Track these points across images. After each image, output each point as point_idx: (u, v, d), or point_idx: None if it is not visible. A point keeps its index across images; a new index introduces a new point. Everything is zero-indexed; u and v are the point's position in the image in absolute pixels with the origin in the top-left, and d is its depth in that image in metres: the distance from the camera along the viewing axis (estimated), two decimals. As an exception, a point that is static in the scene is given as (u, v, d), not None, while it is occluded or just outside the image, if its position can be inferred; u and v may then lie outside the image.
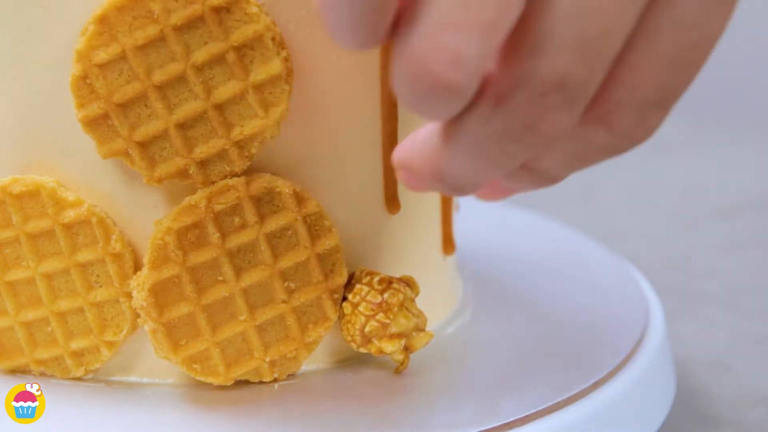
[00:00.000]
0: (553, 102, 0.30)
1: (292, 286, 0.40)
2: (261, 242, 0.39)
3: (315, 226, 0.40)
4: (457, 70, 0.29)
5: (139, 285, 0.39)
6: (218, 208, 0.38)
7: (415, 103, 0.30)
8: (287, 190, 0.39)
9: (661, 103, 0.32)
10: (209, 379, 0.39)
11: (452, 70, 0.29)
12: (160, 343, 0.39)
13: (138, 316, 0.39)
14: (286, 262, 0.39)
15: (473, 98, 0.31)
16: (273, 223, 0.39)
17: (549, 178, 0.34)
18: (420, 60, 0.29)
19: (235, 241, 0.39)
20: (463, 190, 0.33)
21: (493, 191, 0.36)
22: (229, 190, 0.38)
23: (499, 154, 0.32)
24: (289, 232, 0.39)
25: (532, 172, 0.34)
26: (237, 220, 0.39)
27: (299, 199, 0.39)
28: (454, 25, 0.29)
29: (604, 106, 0.32)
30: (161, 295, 0.38)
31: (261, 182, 0.39)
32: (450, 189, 0.33)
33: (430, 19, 0.29)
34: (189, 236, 0.38)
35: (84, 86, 0.37)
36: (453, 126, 0.32)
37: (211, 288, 0.39)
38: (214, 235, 0.39)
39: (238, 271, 0.39)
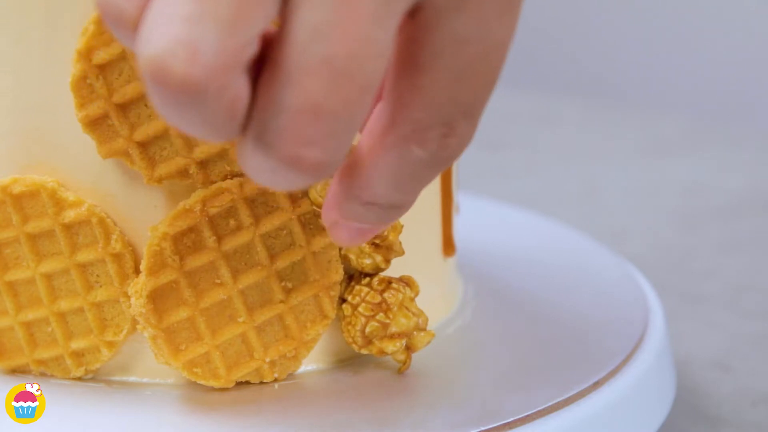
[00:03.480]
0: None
1: (289, 285, 0.40)
2: (257, 243, 0.39)
3: (310, 225, 0.40)
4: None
5: (137, 292, 0.38)
6: (213, 211, 0.38)
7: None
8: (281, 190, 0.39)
9: (466, 114, 0.32)
10: (210, 383, 0.39)
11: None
12: (160, 348, 0.39)
13: (137, 321, 0.39)
14: (283, 262, 0.39)
15: None
16: (268, 224, 0.39)
17: (393, 207, 0.34)
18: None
19: (231, 243, 0.39)
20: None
21: (350, 234, 0.35)
22: (223, 193, 0.38)
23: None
24: (284, 231, 0.39)
25: (374, 206, 0.34)
26: (232, 222, 0.39)
27: (293, 199, 0.39)
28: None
29: (406, 126, 0.32)
30: (160, 300, 0.38)
31: (255, 183, 0.39)
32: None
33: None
34: (185, 241, 0.38)
35: (84, 86, 0.37)
36: None
37: (209, 291, 0.39)
38: (210, 239, 0.38)
39: (235, 273, 0.39)
